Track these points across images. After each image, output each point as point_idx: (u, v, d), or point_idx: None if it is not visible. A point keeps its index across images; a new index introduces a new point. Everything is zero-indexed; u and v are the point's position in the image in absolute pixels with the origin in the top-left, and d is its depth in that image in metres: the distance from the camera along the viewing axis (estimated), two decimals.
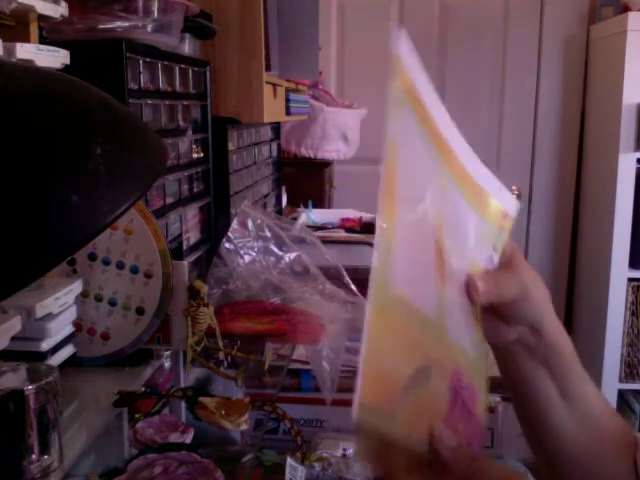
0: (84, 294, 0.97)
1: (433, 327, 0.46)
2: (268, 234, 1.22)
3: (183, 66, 1.22)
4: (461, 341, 0.51)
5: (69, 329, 0.92)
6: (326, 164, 2.55)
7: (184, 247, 1.22)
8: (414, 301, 0.43)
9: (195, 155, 1.31)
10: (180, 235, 1.20)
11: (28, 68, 0.59)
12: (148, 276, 0.96)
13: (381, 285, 0.40)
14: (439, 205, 0.47)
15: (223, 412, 0.84)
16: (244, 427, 0.85)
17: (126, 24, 1.02)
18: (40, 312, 0.82)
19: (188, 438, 0.87)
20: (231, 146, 1.46)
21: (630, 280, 2.53)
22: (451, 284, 0.49)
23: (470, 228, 0.52)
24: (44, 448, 0.72)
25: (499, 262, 0.56)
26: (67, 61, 0.88)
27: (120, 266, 0.97)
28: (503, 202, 0.56)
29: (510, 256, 0.57)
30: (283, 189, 2.13)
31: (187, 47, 1.34)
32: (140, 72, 1.04)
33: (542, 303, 0.56)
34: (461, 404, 0.49)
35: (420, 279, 0.45)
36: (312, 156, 2.44)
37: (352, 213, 2.07)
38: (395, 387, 0.42)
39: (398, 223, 0.42)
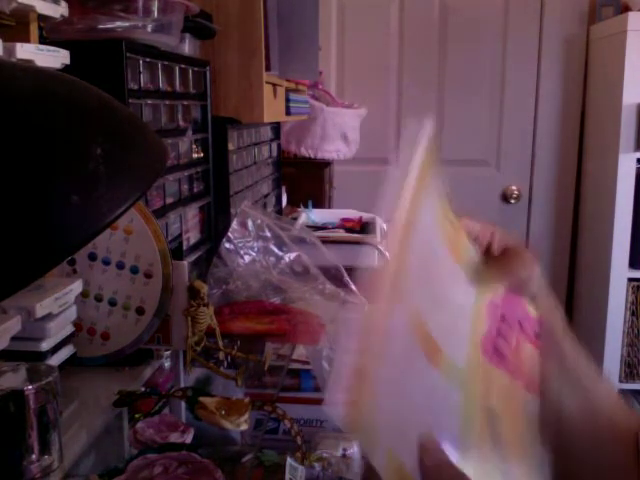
0: (84, 294, 0.97)
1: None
2: (268, 234, 1.22)
3: (183, 66, 1.22)
4: None
5: (69, 329, 0.92)
6: (326, 164, 2.55)
7: (184, 247, 1.22)
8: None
9: (195, 155, 1.31)
10: (180, 235, 1.20)
11: (28, 68, 0.59)
12: (148, 276, 0.96)
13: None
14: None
15: (223, 412, 0.84)
16: (244, 427, 0.85)
17: (126, 24, 1.02)
18: (40, 312, 0.82)
19: (188, 438, 0.87)
20: (231, 146, 1.46)
21: (630, 280, 2.53)
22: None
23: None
24: (44, 448, 0.72)
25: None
26: (67, 61, 0.88)
27: (120, 266, 0.97)
28: None
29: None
30: (283, 189, 2.13)
31: (187, 47, 1.34)
32: (140, 72, 1.04)
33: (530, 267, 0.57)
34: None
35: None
36: (312, 156, 2.44)
37: (352, 213, 2.07)
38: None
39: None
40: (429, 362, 0.45)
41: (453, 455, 0.44)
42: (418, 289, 0.46)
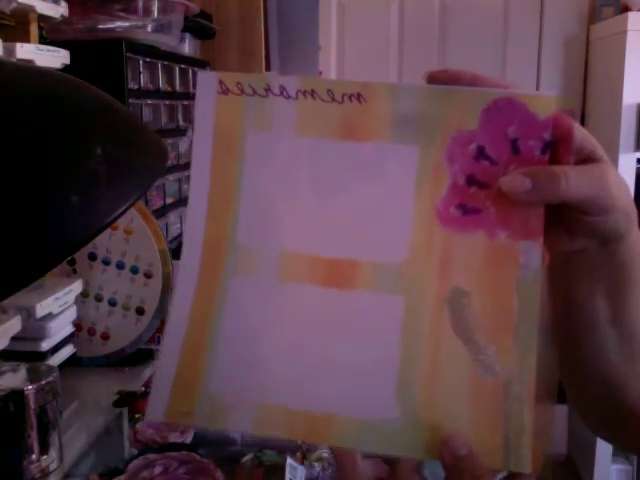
0: (84, 294, 0.97)
1: None
2: None
3: (183, 66, 1.22)
4: None
5: (69, 329, 0.92)
6: None
7: None
8: None
9: None
10: (180, 235, 1.20)
11: (28, 68, 0.59)
12: (148, 276, 0.96)
13: None
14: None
15: None
16: None
17: (126, 24, 1.02)
18: (40, 312, 0.82)
19: (188, 438, 0.87)
20: None
21: None
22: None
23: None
24: (44, 448, 0.72)
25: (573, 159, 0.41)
26: (67, 61, 0.88)
27: (120, 266, 0.97)
28: None
29: (589, 150, 0.42)
30: None
31: (187, 47, 1.34)
32: (140, 72, 1.04)
33: (622, 217, 0.43)
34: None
35: None
36: None
37: None
38: None
39: None
40: (343, 289, 0.41)
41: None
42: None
